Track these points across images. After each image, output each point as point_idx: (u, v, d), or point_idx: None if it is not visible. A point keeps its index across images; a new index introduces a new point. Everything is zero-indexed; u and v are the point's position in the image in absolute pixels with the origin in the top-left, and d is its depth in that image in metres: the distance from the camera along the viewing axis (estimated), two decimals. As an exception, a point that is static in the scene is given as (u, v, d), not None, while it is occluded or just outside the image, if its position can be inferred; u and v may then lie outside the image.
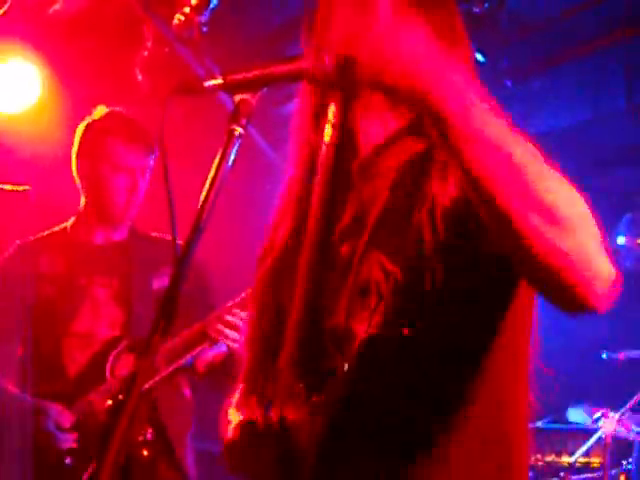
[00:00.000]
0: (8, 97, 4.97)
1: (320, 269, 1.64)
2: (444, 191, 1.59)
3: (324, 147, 1.68)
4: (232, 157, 1.44)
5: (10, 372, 3.83)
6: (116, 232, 3.90)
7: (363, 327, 1.59)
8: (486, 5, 4.81)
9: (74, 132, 4.07)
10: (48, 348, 3.72)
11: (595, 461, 5.05)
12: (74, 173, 3.94)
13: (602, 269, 1.40)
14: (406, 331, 1.56)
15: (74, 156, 3.93)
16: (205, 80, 1.46)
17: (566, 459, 5.07)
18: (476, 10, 4.82)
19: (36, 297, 3.82)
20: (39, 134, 5.26)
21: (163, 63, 5.05)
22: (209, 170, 1.45)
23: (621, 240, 6.33)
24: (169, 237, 3.94)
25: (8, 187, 4.34)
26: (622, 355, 5.12)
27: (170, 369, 3.50)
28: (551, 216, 1.35)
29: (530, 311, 1.68)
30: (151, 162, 3.85)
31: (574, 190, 1.41)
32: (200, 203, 1.45)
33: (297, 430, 1.62)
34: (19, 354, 3.86)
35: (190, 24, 4.70)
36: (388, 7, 1.34)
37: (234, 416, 1.86)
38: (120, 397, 1.38)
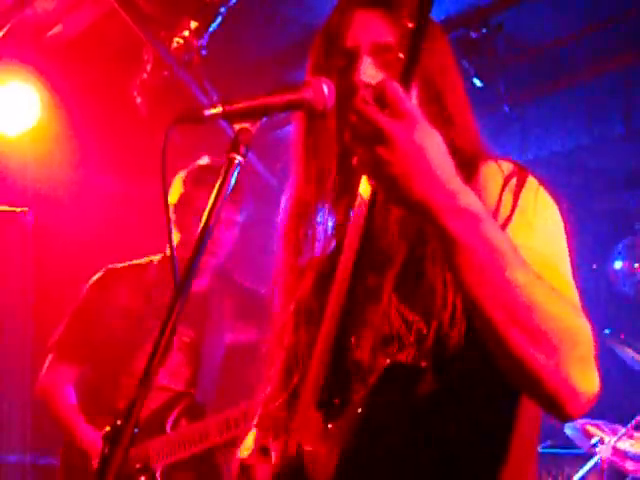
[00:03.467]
0: (8, 119, 4.99)
1: (350, 305, 1.64)
2: None
3: (359, 200, 1.67)
4: (231, 184, 1.45)
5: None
6: (199, 280, 3.87)
7: (373, 363, 1.62)
8: (484, 30, 4.84)
9: (72, 154, 4.09)
10: (104, 382, 3.76)
11: (592, 486, 5.02)
12: (170, 215, 3.93)
13: (585, 389, 1.44)
14: (425, 366, 1.59)
15: (172, 202, 3.89)
16: (206, 108, 1.47)
17: (563, 483, 5.05)
18: (474, 35, 4.85)
19: (106, 328, 3.85)
20: (38, 156, 5.28)
21: (162, 86, 5.07)
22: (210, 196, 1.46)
23: (618, 264, 6.34)
24: (262, 290, 3.94)
25: (6, 208, 4.36)
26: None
27: (218, 439, 3.53)
28: (543, 342, 1.40)
29: None
30: (240, 218, 3.88)
31: (570, 311, 1.46)
32: (200, 229, 1.46)
33: (313, 461, 1.62)
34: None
35: (189, 48, 4.73)
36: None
37: (250, 443, 1.86)
38: (118, 422, 1.37)
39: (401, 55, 1.49)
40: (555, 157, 5.89)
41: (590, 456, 4.85)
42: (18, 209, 4.38)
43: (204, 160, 3.84)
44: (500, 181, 1.66)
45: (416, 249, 1.67)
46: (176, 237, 3.87)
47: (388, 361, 1.59)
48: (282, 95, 1.52)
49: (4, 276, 5.35)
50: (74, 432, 3.76)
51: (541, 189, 1.68)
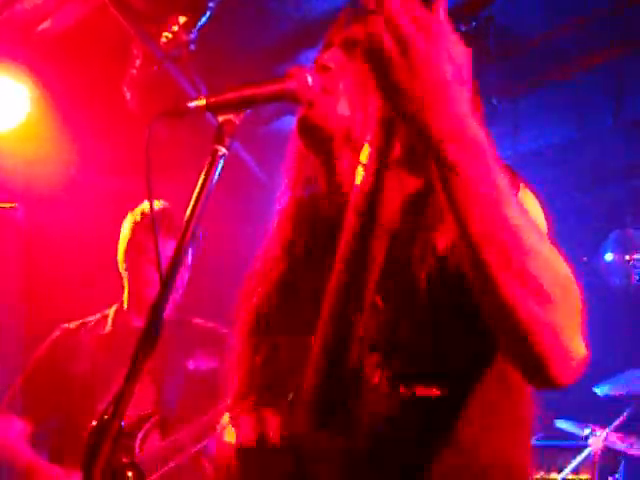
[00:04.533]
0: (-3, 115, 4.97)
1: (345, 314, 1.59)
2: (447, 247, 1.59)
3: (355, 190, 1.62)
4: (216, 177, 1.45)
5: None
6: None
7: (374, 379, 1.60)
8: (473, 23, 4.84)
9: (62, 149, 4.07)
10: (76, 425, 3.72)
11: (584, 477, 5.05)
12: (119, 263, 3.97)
13: (576, 348, 1.39)
14: (419, 391, 1.57)
15: (121, 250, 3.95)
16: (191, 100, 1.47)
17: (555, 475, 5.06)
18: (463, 28, 4.85)
19: (72, 373, 3.86)
20: (28, 152, 5.26)
21: (152, 81, 5.06)
22: (194, 189, 1.46)
23: (609, 257, 6.35)
24: (211, 324, 3.99)
25: (-5, 204, 4.34)
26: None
27: (195, 448, 3.59)
28: (536, 288, 1.34)
29: None
30: (189, 258, 3.89)
31: (564, 264, 1.41)
32: (185, 222, 1.46)
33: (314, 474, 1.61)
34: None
35: (178, 42, 4.72)
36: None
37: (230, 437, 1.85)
38: (105, 417, 1.37)
39: None
40: (545, 150, 5.90)
41: (582, 448, 4.87)
42: (7, 205, 4.36)
43: (155, 204, 3.79)
44: None
45: (404, 250, 1.64)
46: (127, 284, 3.95)
47: (375, 380, 1.58)
48: (266, 86, 1.52)
49: (-6, 273, 5.34)
50: (36, 470, 3.75)
51: (527, 191, 1.66)
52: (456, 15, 4.82)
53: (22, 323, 5.32)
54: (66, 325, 4.01)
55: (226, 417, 1.88)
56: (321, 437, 1.58)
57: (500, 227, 1.33)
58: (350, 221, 1.58)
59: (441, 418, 1.59)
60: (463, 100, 1.36)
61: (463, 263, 1.41)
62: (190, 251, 3.83)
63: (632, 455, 4.93)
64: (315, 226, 1.81)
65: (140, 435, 3.67)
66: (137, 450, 3.65)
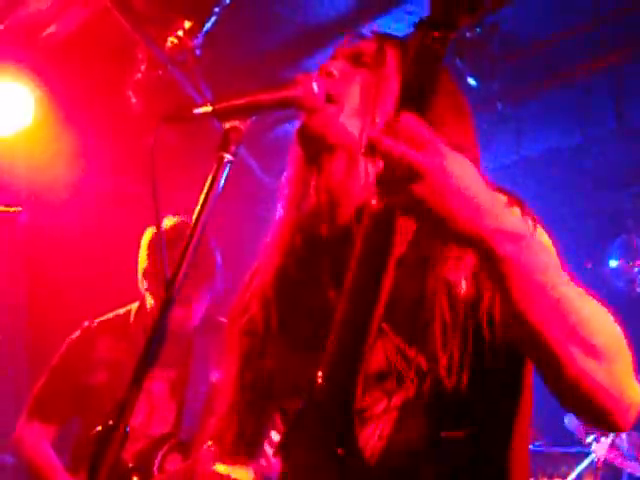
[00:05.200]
0: (2, 119, 4.98)
1: (352, 346, 1.55)
2: (459, 281, 1.59)
3: (367, 214, 1.57)
4: (221, 184, 1.45)
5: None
6: (184, 321, 3.82)
7: (380, 407, 1.57)
8: (478, 30, 4.85)
9: (66, 153, 4.07)
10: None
11: (587, 485, 5.04)
12: (139, 281, 3.88)
13: (634, 398, 1.44)
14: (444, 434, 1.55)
15: (140, 269, 3.85)
16: (196, 106, 1.46)
17: (559, 482, 5.06)
18: (468, 35, 4.86)
19: (91, 383, 3.82)
20: (32, 156, 5.27)
21: (156, 86, 5.07)
22: (200, 196, 1.46)
23: (613, 263, 6.34)
24: None
25: (0, 208, 4.34)
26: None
27: None
28: (590, 348, 1.38)
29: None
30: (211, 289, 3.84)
31: (610, 318, 1.45)
32: (190, 229, 1.45)
33: None
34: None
35: (183, 47, 4.72)
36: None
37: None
38: (110, 422, 1.37)
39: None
40: (549, 156, 5.89)
41: (585, 455, 4.86)
42: (12, 209, 4.36)
43: (169, 221, 3.74)
44: None
45: (412, 279, 1.61)
46: (149, 303, 3.85)
47: (381, 408, 1.56)
48: (272, 93, 1.51)
49: (-2, 276, 5.34)
50: (50, 475, 3.76)
51: (540, 229, 1.63)
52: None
53: (26, 326, 5.32)
54: (87, 324, 3.95)
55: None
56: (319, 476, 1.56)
57: (559, 309, 1.37)
58: (361, 248, 1.53)
59: (458, 459, 1.57)
60: (490, 199, 1.36)
61: (513, 336, 1.45)
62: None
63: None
64: (313, 241, 1.77)
65: (159, 457, 3.64)
66: (155, 472, 3.62)
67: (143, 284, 3.85)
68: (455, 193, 1.32)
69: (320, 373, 1.54)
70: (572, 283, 1.41)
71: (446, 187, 1.31)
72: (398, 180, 1.32)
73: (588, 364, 1.37)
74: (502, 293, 1.39)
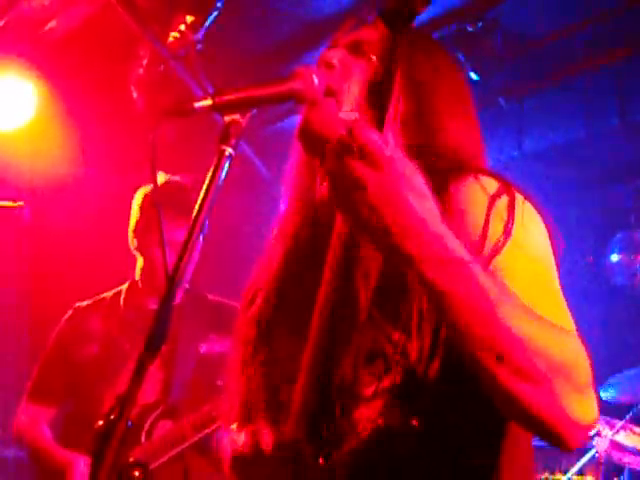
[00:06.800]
0: (4, 114, 4.99)
1: (336, 324, 1.57)
2: None
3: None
4: (222, 177, 1.45)
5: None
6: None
7: (369, 390, 1.57)
8: (480, 24, 4.84)
9: (68, 148, 4.08)
10: (89, 409, 3.73)
11: (589, 479, 5.03)
12: (130, 241, 3.93)
13: (584, 417, 1.43)
14: (415, 422, 1.54)
15: (131, 227, 3.90)
16: (197, 100, 1.46)
17: (560, 476, 5.05)
18: (470, 29, 4.85)
19: (82, 357, 3.87)
20: (34, 150, 5.28)
21: (158, 81, 5.07)
22: (200, 189, 1.46)
23: (615, 257, 6.34)
24: (226, 301, 3.94)
25: (2, 203, 4.34)
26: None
27: (196, 437, 3.60)
28: (524, 371, 1.37)
29: None
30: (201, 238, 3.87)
31: (561, 337, 1.43)
32: (192, 222, 1.45)
33: None
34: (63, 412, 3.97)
35: (185, 42, 4.72)
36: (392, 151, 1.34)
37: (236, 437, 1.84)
38: (112, 417, 1.38)
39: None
40: (551, 150, 5.89)
41: (587, 449, 4.86)
42: (14, 204, 4.35)
43: (160, 178, 3.74)
44: (485, 203, 1.58)
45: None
46: (139, 264, 3.91)
47: (370, 392, 1.55)
48: (272, 86, 1.51)
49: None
50: (46, 453, 3.80)
51: (527, 205, 1.61)
52: (462, 16, 4.82)
53: (27, 322, 5.33)
54: (79, 304, 4.00)
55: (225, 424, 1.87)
56: (308, 452, 1.55)
57: (492, 333, 1.36)
58: (339, 228, 1.56)
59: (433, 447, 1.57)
60: (432, 221, 1.35)
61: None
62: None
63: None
64: (315, 233, 1.78)
65: (146, 425, 3.67)
66: (143, 439, 3.65)
67: (133, 243, 3.89)
68: (392, 209, 1.32)
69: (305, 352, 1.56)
70: (517, 302, 1.40)
71: (384, 202, 1.32)
72: (343, 187, 1.34)
73: (521, 386, 1.37)
74: (435, 311, 1.41)
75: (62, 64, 5.08)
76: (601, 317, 5.89)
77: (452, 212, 1.51)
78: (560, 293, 1.57)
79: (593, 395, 1.45)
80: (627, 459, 4.81)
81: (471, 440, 1.60)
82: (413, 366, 1.54)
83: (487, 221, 1.56)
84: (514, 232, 1.54)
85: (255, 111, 1.48)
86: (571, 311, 1.57)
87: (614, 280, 6.31)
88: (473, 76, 4.95)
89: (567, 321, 1.53)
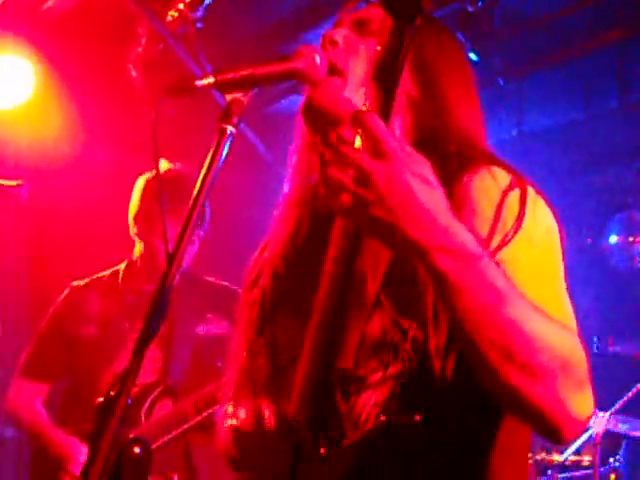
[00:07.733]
0: (2, 92, 4.97)
1: (339, 310, 1.56)
2: None
3: None
4: (224, 156, 1.44)
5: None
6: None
7: (376, 377, 1.57)
8: (480, 3, 4.82)
9: (67, 127, 4.07)
10: (87, 388, 3.76)
11: (586, 459, 5.06)
12: (130, 226, 3.93)
13: (582, 412, 1.45)
14: (419, 417, 1.54)
15: (131, 213, 3.91)
16: (198, 78, 1.46)
17: (557, 457, 5.07)
18: (470, 8, 4.83)
19: (80, 336, 3.88)
20: (32, 129, 5.26)
21: (157, 59, 5.05)
22: (201, 168, 1.46)
23: (613, 239, 6.35)
24: (223, 283, 3.96)
25: (1, 182, 4.34)
26: (611, 341, 5.16)
27: (198, 418, 3.61)
28: (527, 367, 1.38)
29: None
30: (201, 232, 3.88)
31: (563, 335, 1.44)
32: (192, 201, 1.45)
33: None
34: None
35: (184, 21, 4.70)
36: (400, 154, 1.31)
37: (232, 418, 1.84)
38: (112, 393, 1.38)
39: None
40: (550, 131, 5.89)
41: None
42: (12, 183, 4.36)
43: (163, 166, 3.74)
44: (497, 196, 1.57)
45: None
46: (138, 248, 3.92)
47: (377, 378, 1.55)
48: (274, 65, 1.50)
49: (-1, 250, 5.35)
50: (46, 437, 3.80)
51: (539, 201, 1.61)
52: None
53: (25, 303, 5.33)
54: (76, 283, 4.01)
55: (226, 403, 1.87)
56: (309, 440, 1.55)
57: (499, 329, 1.36)
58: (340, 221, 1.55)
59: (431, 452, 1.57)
60: (440, 211, 1.33)
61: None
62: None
63: (633, 437, 4.94)
64: (318, 215, 1.77)
65: (146, 404, 3.68)
66: (143, 419, 3.67)
67: (133, 229, 3.90)
68: (401, 204, 1.30)
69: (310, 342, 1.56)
70: (524, 300, 1.39)
71: (392, 196, 1.30)
72: (345, 182, 1.30)
73: (528, 385, 1.38)
74: (443, 306, 1.40)
75: (61, 42, 5.06)
76: (599, 298, 5.90)
77: (464, 203, 1.51)
78: (564, 289, 1.58)
79: (590, 391, 1.46)
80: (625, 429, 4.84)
81: (470, 436, 1.60)
82: (424, 358, 1.54)
83: (498, 214, 1.55)
84: (524, 226, 1.54)
85: (257, 90, 1.47)
86: (568, 292, 1.57)
87: (612, 261, 6.32)
88: (473, 56, 4.94)
89: (568, 318, 1.53)
